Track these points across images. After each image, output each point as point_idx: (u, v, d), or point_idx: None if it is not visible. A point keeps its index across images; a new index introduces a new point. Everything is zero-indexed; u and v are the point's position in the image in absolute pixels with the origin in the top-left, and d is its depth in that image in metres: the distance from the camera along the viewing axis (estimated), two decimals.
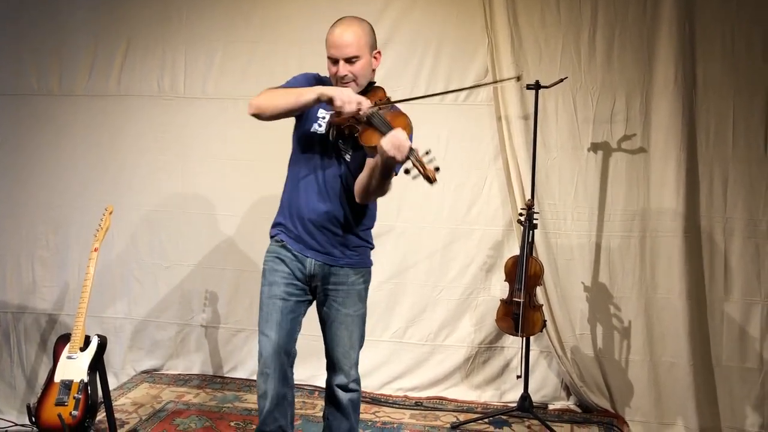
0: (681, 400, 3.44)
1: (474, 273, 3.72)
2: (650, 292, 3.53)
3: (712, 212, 3.46)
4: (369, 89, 2.45)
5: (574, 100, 3.56)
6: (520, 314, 3.24)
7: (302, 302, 2.51)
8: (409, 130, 2.29)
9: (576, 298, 3.61)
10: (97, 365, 3.09)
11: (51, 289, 4.07)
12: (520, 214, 3.37)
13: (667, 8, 3.43)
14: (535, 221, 3.32)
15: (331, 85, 2.44)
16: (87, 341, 3.12)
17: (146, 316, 4.02)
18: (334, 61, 2.37)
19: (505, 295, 3.42)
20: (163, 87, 3.95)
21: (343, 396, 2.54)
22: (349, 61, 2.36)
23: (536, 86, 3.36)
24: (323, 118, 2.43)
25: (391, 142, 2.12)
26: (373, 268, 3.70)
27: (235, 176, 3.88)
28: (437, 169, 2.12)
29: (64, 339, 3.14)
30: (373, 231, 3.72)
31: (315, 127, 2.44)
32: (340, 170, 2.43)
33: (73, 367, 3.04)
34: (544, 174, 3.58)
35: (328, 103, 2.27)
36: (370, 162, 2.30)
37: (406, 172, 2.15)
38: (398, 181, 3.70)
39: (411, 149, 2.12)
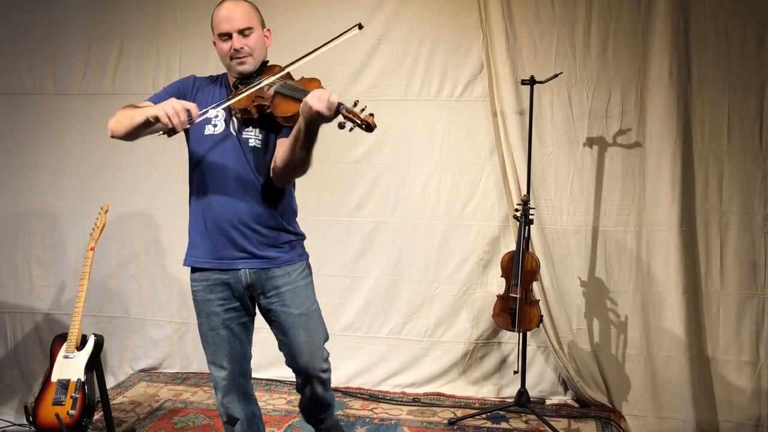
0: (678, 393, 3.45)
1: (470, 269, 3.72)
2: (646, 287, 3.54)
3: (707, 206, 3.46)
4: (264, 68, 2.33)
5: (569, 95, 3.56)
6: (517, 310, 3.25)
7: (246, 322, 2.38)
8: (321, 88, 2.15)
9: (572, 293, 3.62)
10: (94, 364, 3.10)
11: (47, 288, 4.07)
12: (516, 210, 3.37)
13: (662, 3, 3.42)
14: (531, 216, 3.32)
15: (218, 81, 2.36)
16: (84, 340, 3.12)
17: (143, 315, 4.02)
18: (226, 36, 2.25)
19: (501, 290, 3.42)
20: (158, 86, 3.92)
21: (319, 389, 2.40)
22: (243, 33, 2.25)
23: (531, 81, 3.36)
24: (216, 116, 2.29)
25: (316, 96, 2.00)
26: (369, 265, 3.79)
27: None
28: (371, 114, 2.00)
29: (61, 338, 3.14)
30: (369, 228, 3.78)
31: (209, 129, 2.30)
32: (251, 163, 2.27)
33: (70, 366, 3.05)
34: (539, 169, 3.58)
35: (156, 122, 2.10)
36: (291, 136, 2.15)
37: (341, 126, 2.02)
38: (394, 177, 3.74)
39: (339, 103, 2.00)
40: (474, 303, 3.73)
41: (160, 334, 4.01)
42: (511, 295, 3.29)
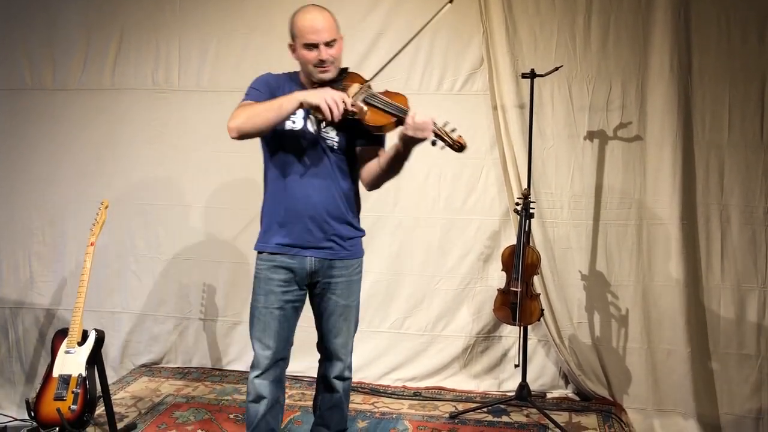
0: (678, 387, 3.45)
1: (471, 263, 3.72)
2: (647, 280, 3.54)
3: (708, 199, 3.46)
4: (345, 74, 2.45)
5: (569, 88, 3.55)
6: (518, 303, 3.24)
7: (298, 307, 2.52)
8: (408, 106, 2.32)
9: (573, 287, 3.62)
10: (96, 359, 3.10)
11: (48, 284, 4.07)
12: (517, 204, 3.36)
13: None
14: (531, 210, 3.31)
15: (294, 80, 2.46)
16: (85, 336, 3.12)
17: (144, 310, 4.02)
18: (312, 46, 2.34)
19: (502, 284, 3.42)
20: (158, 80, 3.94)
21: (339, 385, 2.58)
22: (329, 44, 2.35)
23: (532, 75, 3.35)
24: (294, 113, 2.37)
25: (416, 125, 2.22)
26: (370, 260, 3.76)
27: (232, 169, 3.86)
28: (460, 135, 2.26)
29: (62, 334, 3.13)
30: (370, 222, 3.77)
31: (289, 125, 2.40)
32: (329, 161, 2.42)
33: (72, 361, 3.04)
34: (540, 163, 3.57)
35: (314, 110, 2.27)
36: (388, 155, 2.36)
37: (433, 143, 2.25)
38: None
39: (436, 124, 2.24)
40: (475, 297, 3.72)
41: (161, 329, 4.01)
42: (511, 289, 3.28)
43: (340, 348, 2.55)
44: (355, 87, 2.37)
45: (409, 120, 2.23)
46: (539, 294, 3.42)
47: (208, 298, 3.97)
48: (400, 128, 2.28)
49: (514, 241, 3.39)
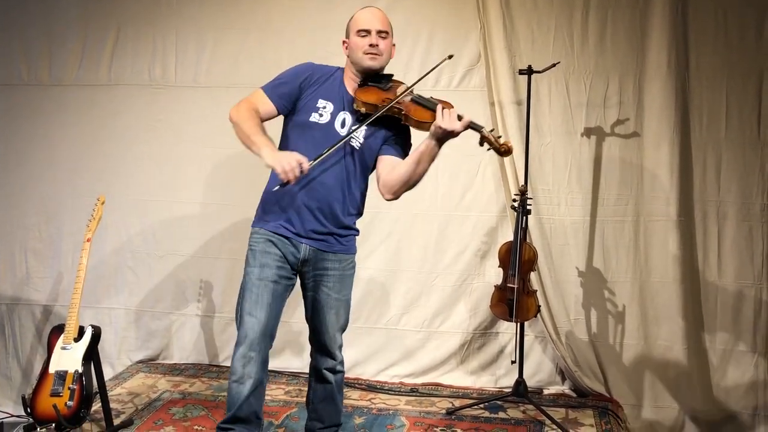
0: (675, 383, 3.46)
1: (468, 259, 3.72)
2: (644, 277, 3.54)
3: (705, 196, 3.47)
4: (390, 79, 2.51)
5: (567, 84, 3.55)
6: (515, 300, 3.24)
7: (289, 287, 2.54)
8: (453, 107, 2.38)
9: (570, 283, 3.62)
10: (92, 355, 3.09)
11: (44, 280, 4.06)
12: (514, 200, 3.36)
13: None
14: (528, 207, 3.31)
15: (335, 76, 2.51)
16: (81, 332, 3.11)
17: (141, 306, 4.01)
18: (364, 33, 2.44)
19: (499, 281, 3.42)
20: (154, 76, 3.93)
21: (331, 377, 2.63)
22: (380, 34, 2.45)
23: (529, 71, 3.34)
24: (324, 107, 2.46)
25: (447, 118, 2.28)
26: (367, 256, 3.79)
27: (228, 165, 3.86)
28: (507, 141, 2.38)
29: (58, 330, 3.12)
30: (367, 218, 3.75)
31: (315, 117, 2.46)
32: (346, 160, 2.46)
33: (68, 357, 3.03)
34: (537, 159, 3.57)
35: (269, 167, 2.31)
36: (417, 152, 2.37)
37: (480, 144, 2.35)
38: None
39: (473, 122, 2.32)
40: (472, 293, 3.72)
41: (157, 325, 4.01)
42: (508, 285, 3.28)
43: (332, 342, 2.59)
44: (402, 87, 2.46)
45: (443, 112, 2.29)
46: (536, 290, 3.42)
47: (205, 294, 3.97)
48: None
49: (510, 238, 3.39)
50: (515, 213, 3.32)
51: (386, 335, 3.81)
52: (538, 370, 3.69)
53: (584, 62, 3.52)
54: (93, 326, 3.13)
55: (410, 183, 2.44)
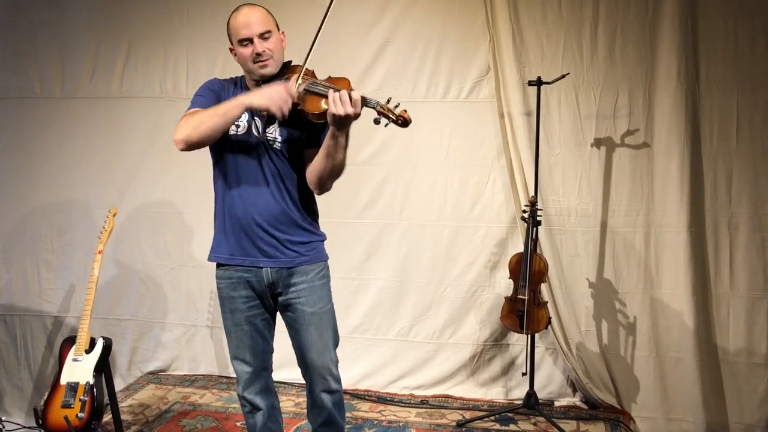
0: (687, 395, 3.43)
1: (478, 270, 3.71)
2: (655, 288, 3.52)
3: (716, 207, 3.45)
4: (288, 68, 2.39)
5: (576, 95, 3.55)
6: (525, 311, 3.24)
7: (268, 319, 2.44)
8: (350, 88, 2.21)
9: (581, 295, 3.60)
10: (103, 367, 3.11)
11: (56, 291, 4.08)
12: (524, 211, 3.36)
13: (669, 3, 3.40)
14: (538, 218, 3.31)
15: (239, 84, 2.41)
16: (92, 343, 3.13)
17: (152, 317, 4.03)
18: (247, 41, 2.29)
19: (509, 292, 3.41)
20: (166, 89, 3.96)
21: (327, 400, 2.43)
22: (262, 37, 2.29)
23: (538, 83, 3.35)
24: (239, 118, 2.31)
25: (337, 101, 2.10)
26: (377, 267, 3.79)
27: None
28: (405, 110, 2.12)
29: (70, 341, 3.15)
30: (376, 229, 3.78)
31: (232, 129, 2.32)
32: (275, 164, 2.33)
33: (79, 369, 3.06)
34: (547, 170, 3.57)
35: (262, 111, 2.24)
36: (324, 143, 2.23)
37: (376, 122, 2.13)
38: (401, 179, 3.73)
39: (365, 98, 2.12)
40: (482, 305, 3.72)
41: (168, 336, 4.02)
42: (519, 296, 3.28)
43: (317, 360, 2.38)
44: (295, 77, 2.28)
45: (331, 95, 2.12)
46: (546, 302, 3.41)
47: (215, 305, 3.97)
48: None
49: (521, 248, 3.39)
50: (525, 224, 3.32)
51: (396, 346, 3.81)
52: (549, 382, 3.67)
53: (594, 74, 3.52)
54: (104, 338, 3.15)
55: (330, 176, 2.28)
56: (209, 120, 2.21)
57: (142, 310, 4.03)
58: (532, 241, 3.28)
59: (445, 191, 3.72)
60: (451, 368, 3.74)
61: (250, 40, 2.29)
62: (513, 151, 3.57)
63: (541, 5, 3.55)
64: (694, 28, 3.41)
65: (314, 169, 2.30)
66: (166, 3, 3.92)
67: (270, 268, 2.35)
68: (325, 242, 2.49)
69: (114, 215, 3.37)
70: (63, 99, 4.04)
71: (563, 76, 3.35)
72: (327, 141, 2.21)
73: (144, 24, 3.95)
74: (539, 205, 3.36)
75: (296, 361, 2.45)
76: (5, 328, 4.12)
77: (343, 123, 2.14)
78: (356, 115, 2.12)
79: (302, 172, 2.38)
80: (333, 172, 2.27)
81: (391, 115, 2.11)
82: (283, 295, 2.38)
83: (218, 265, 2.44)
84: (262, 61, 2.30)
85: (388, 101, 2.14)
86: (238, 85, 2.44)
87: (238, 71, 3.80)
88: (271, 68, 2.33)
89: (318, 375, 2.40)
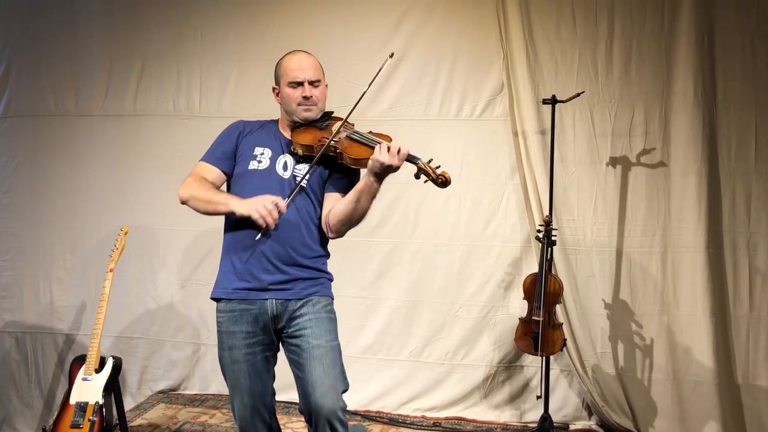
0: (706, 420, 3.35)
1: (492, 290, 3.67)
2: (673, 309, 3.46)
3: (735, 227, 3.39)
4: (328, 117, 2.44)
5: (591, 114, 3.52)
6: (540, 333, 3.18)
7: (268, 357, 2.34)
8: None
9: (596, 316, 3.55)
10: (113, 387, 3.09)
11: (68, 308, 4.08)
12: (539, 231, 3.32)
13: (685, 20, 3.38)
14: (553, 238, 3.26)
15: (267, 128, 2.45)
16: (102, 362, 3.11)
17: (162, 336, 4.00)
18: (297, 84, 2.36)
19: (523, 313, 3.36)
20: (179, 107, 3.96)
21: None
22: (313, 84, 2.37)
23: (553, 101, 3.32)
24: (261, 154, 2.37)
25: (385, 151, 2.17)
26: (388, 286, 3.75)
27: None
28: (444, 171, 2.22)
29: (80, 360, 3.14)
30: (388, 248, 3.75)
31: (254, 164, 2.36)
32: (296, 201, 2.31)
33: (89, 388, 3.04)
34: (562, 189, 3.52)
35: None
36: (356, 189, 2.26)
37: (416, 176, 2.23)
38: (414, 197, 3.70)
39: (411, 155, 2.21)
40: (496, 325, 3.67)
41: (179, 355, 3.99)
42: (533, 318, 3.22)
43: (322, 402, 2.17)
44: (337, 124, 2.35)
45: (382, 144, 2.20)
46: (561, 323, 3.35)
47: None
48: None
49: (535, 268, 3.34)
50: (540, 244, 3.27)
51: (408, 367, 3.76)
52: (564, 405, 3.60)
53: (609, 92, 3.49)
54: (114, 357, 3.13)
55: (351, 221, 2.30)
56: (202, 203, 2.31)
57: (153, 329, 4.01)
58: (546, 262, 3.23)
59: (459, 210, 3.69)
60: (464, 390, 3.68)
61: (301, 84, 2.36)
62: (527, 170, 3.54)
63: (555, 22, 3.53)
64: (711, 44, 3.37)
65: (338, 212, 2.31)
66: (179, 21, 3.93)
67: (275, 299, 2.29)
68: (332, 281, 2.44)
69: (126, 233, 3.36)
70: (77, 117, 4.05)
71: (578, 95, 3.32)
72: (361, 186, 2.25)
73: (157, 42, 3.96)
74: (554, 225, 3.31)
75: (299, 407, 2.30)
76: (16, 346, 4.12)
77: (384, 172, 2.20)
78: (397, 167, 2.20)
79: (320, 213, 2.38)
80: (355, 219, 2.30)
81: (431, 174, 2.21)
82: (288, 327, 2.30)
83: (219, 300, 2.37)
84: (307, 105, 2.36)
85: (430, 161, 2.23)
86: (266, 128, 2.47)
87: (250, 86, 3.87)
88: (314, 114, 2.39)
89: (323, 421, 2.17)
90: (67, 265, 4.08)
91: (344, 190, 2.35)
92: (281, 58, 2.45)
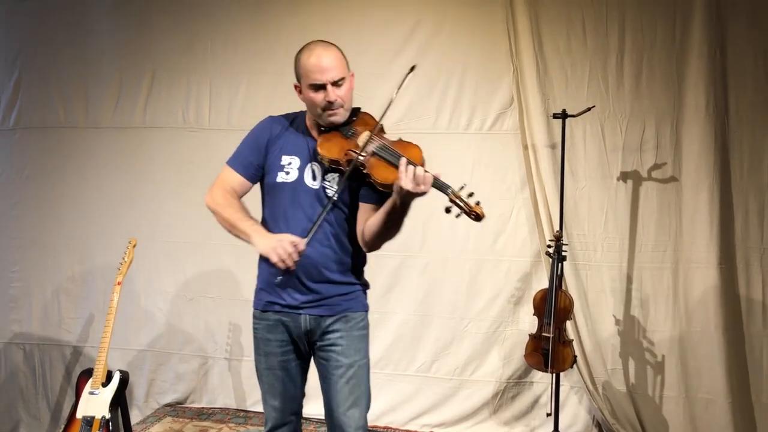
0: None
1: (501, 305, 3.63)
2: (684, 326, 3.42)
3: (747, 243, 3.35)
4: (356, 116, 2.28)
5: (602, 127, 3.49)
6: (550, 350, 3.15)
7: (301, 364, 2.34)
8: (421, 161, 2.12)
9: (607, 332, 3.51)
10: (119, 401, 3.07)
11: (76, 320, 4.07)
12: (549, 246, 3.28)
13: (697, 33, 3.35)
14: (564, 253, 3.23)
15: (297, 124, 2.31)
16: (109, 376, 3.10)
17: (170, 349, 3.99)
18: (319, 87, 2.17)
19: (533, 329, 3.33)
20: (188, 119, 3.96)
21: None
22: (336, 84, 2.18)
23: (563, 115, 3.29)
24: (289, 164, 2.26)
25: (410, 173, 2.01)
26: (396, 300, 3.72)
27: (259, 207, 3.84)
28: (479, 203, 2.02)
29: (87, 374, 3.13)
30: (396, 262, 3.72)
31: (282, 177, 2.26)
32: (328, 214, 2.22)
33: (95, 402, 3.03)
34: (572, 204, 3.50)
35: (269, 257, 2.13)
36: (384, 210, 2.13)
37: (447, 210, 2.03)
38: (422, 211, 3.67)
39: (437, 181, 2.03)
40: (505, 341, 3.63)
41: (186, 368, 3.98)
42: (543, 334, 3.19)
43: (344, 420, 2.22)
44: (364, 136, 2.19)
45: (405, 171, 2.02)
46: (572, 340, 3.32)
47: (234, 337, 3.93)
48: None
49: (545, 283, 3.31)
50: (550, 259, 3.24)
51: (417, 382, 3.73)
52: (574, 422, 3.56)
53: (620, 106, 3.47)
54: (121, 371, 3.12)
55: (385, 239, 2.20)
56: (225, 223, 2.26)
57: (161, 342, 4.00)
58: (557, 277, 3.20)
59: (467, 224, 3.62)
60: (473, 406, 3.65)
61: (323, 86, 2.18)
62: (537, 184, 3.51)
63: (566, 34, 3.51)
64: (723, 58, 3.35)
65: (369, 230, 2.21)
66: (188, 34, 3.94)
67: (308, 315, 2.26)
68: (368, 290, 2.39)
69: (134, 246, 3.36)
70: (86, 129, 4.06)
71: (589, 109, 3.29)
72: (388, 207, 2.11)
73: (167, 54, 3.97)
74: (564, 240, 3.28)
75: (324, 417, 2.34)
76: (24, 357, 4.12)
77: (408, 198, 2.05)
78: (423, 194, 2.03)
79: (353, 222, 2.28)
80: (387, 237, 2.20)
81: (464, 207, 2.01)
82: (320, 341, 2.28)
83: (257, 310, 2.36)
84: (332, 109, 2.20)
85: (462, 188, 2.03)
86: (295, 124, 2.33)
87: (261, 101, 3.86)
88: (340, 117, 2.23)
89: None
90: (76, 277, 4.08)
91: (378, 201, 2.21)
92: (300, 53, 2.22)
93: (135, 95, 4.02)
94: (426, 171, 2.02)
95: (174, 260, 3.97)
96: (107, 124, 4.04)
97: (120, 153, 4.02)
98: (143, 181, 4.00)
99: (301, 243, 2.11)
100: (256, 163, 2.30)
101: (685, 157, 3.40)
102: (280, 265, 2.09)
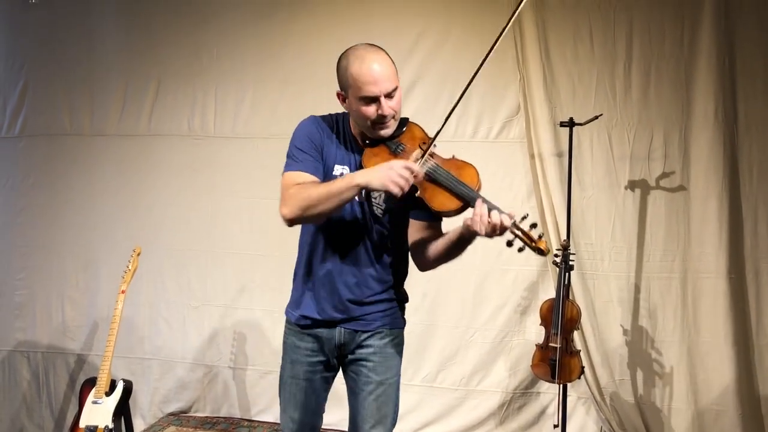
0: None
1: (508, 315, 3.60)
2: (693, 336, 3.38)
3: (757, 252, 3.32)
4: (404, 127, 2.11)
5: (609, 136, 3.47)
6: (557, 360, 3.11)
7: (328, 377, 2.26)
8: (479, 183, 1.97)
9: (615, 342, 3.48)
10: (123, 410, 3.05)
11: (80, 329, 4.06)
12: (556, 256, 3.26)
13: (705, 40, 3.34)
14: (571, 263, 3.20)
15: (342, 129, 2.14)
16: (113, 385, 3.08)
17: (174, 357, 3.97)
18: (372, 99, 1.98)
19: (540, 339, 3.30)
20: (194, 126, 3.96)
21: None
22: (389, 95, 2.00)
23: (570, 123, 3.27)
24: (341, 174, 2.07)
25: (489, 225, 1.86)
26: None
27: (266, 216, 3.82)
28: (541, 236, 1.87)
29: (90, 383, 3.11)
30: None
31: None
32: (373, 229, 2.13)
33: (98, 412, 3.01)
34: (579, 213, 3.47)
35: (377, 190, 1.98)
36: (448, 239, 2.02)
37: (509, 244, 1.88)
38: None
39: (516, 225, 1.86)
40: (511, 351, 3.60)
41: (190, 376, 3.96)
42: (550, 344, 3.16)
43: None
44: (416, 153, 2.00)
45: (479, 216, 1.87)
46: (579, 350, 3.28)
47: (238, 346, 3.91)
48: (465, 216, 1.93)
49: (552, 293, 3.28)
50: (557, 269, 3.21)
51: (422, 392, 3.69)
52: None
53: (627, 114, 3.44)
54: (124, 380, 3.11)
55: (446, 263, 2.10)
56: (321, 203, 1.96)
57: (165, 350, 3.98)
58: (564, 287, 3.17)
59: None
60: (479, 417, 3.62)
61: (375, 99, 1.99)
62: (544, 193, 3.49)
63: (573, 42, 3.49)
64: (732, 65, 3.33)
65: (432, 254, 2.10)
66: (194, 42, 3.93)
67: (344, 329, 2.17)
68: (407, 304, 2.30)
69: (138, 254, 3.35)
70: (92, 136, 4.06)
71: (596, 117, 3.27)
72: (453, 239, 2.01)
73: (173, 62, 3.97)
74: (571, 249, 3.26)
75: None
76: (28, 365, 4.10)
77: (474, 237, 1.95)
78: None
79: (399, 237, 2.17)
80: (449, 261, 2.09)
81: (529, 243, 1.86)
82: (352, 355, 2.19)
83: (290, 321, 2.28)
84: (383, 123, 2.02)
85: (524, 218, 1.88)
86: (340, 129, 2.16)
87: (267, 109, 3.85)
88: (390, 130, 2.06)
89: None
90: (80, 285, 4.07)
91: (430, 218, 2.11)
92: (346, 59, 2.02)
93: (140, 103, 4.02)
94: (501, 212, 1.87)
95: (179, 268, 3.96)
96: (112, 132, 4.03)
97: (125, 160, 4.02)
98: (148, 188, 4.00)
99: (415, 165, 1.92)
100: (321, 166, 2.10)
101: (694, 165, 3.37)
102: (396, 191, 1.88)
